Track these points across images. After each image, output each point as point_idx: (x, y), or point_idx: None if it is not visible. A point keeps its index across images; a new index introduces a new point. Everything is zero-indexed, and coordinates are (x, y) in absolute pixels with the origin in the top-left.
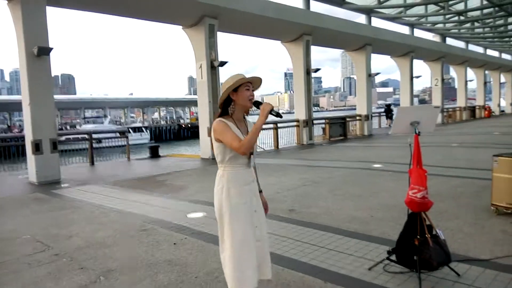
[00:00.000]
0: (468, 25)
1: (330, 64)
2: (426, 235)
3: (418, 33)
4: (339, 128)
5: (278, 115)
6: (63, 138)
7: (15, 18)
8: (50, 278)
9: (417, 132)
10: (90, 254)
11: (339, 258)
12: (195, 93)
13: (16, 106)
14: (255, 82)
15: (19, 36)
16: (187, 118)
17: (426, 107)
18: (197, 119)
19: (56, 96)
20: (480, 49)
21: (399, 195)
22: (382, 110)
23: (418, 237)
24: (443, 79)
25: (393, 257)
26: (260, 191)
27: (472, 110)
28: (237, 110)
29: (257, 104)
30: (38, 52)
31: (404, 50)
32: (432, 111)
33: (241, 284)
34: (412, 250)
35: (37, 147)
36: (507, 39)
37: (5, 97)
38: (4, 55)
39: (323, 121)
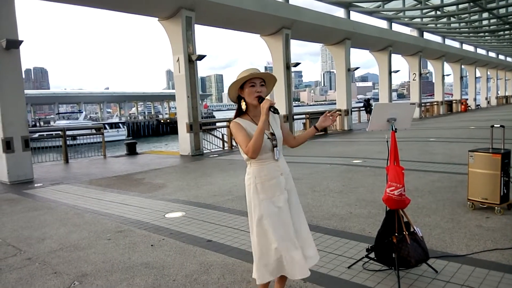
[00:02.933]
0: (444, 20)
1: (310, 58)
2: (404, 233)
3: (396, 27)
4: None
5: (275, 111)
6: (37, 135)
7: None
8: (22, 283)
9: (393, 128)
10: (64, 258)
11: (318, 257)
12: (173, 88)
13: None
14: (265, 78)
15: None
16: (166, 113)
17: (402, 104)
18: (176, 114)
19: (28, 91)
20: (456, 44)
21: (377, 191)
22: (361, 105)
23: (396, 234)
24: (420, 74)
25: (372, 255)
26: (313, 126)
27: (449, 104)
28: (250, 107)
29: (262, 101)
30: (7, 45)
31: (383, 44)
32: (408, 108)
33: (262, 278)
34: (390, 247)
35: (8, 145)
36: (481, 34)
37: None
38: None
39: (303, 116)
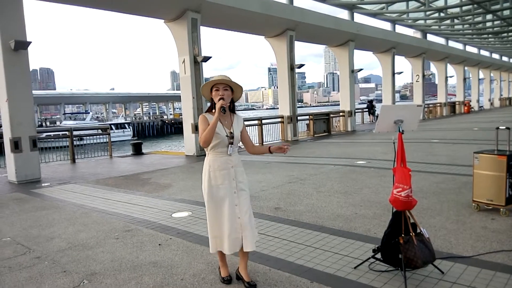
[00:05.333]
0: (448, 21)
1: (313, 59)
2: (411, 234)
3: (399, 29)
4: (323, 124)
5: (223, 111)
6: (44, 135)
7: None
8: (32, 282)
9: (401, 130)
10: (73, 257)
11: (325, 257)
12: (178, 88)
13: None
14: (229, 84)
15: None
16: (171, 114)
17: (409, 106)
18: (181, 114)
19: (35, 92)
20: (459, 46)
21: (382, 191)
22: (365, 106)
23: (403, 235)
24: (424, 75)
25: (379, 256)
26: (269, 147)
27: (452, 105)
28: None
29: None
30: (15, 46)
31: (386, 46)
32: (415, 110)
33: (214, 248)
34: (397, 248)
35: (16, 145)
36: (485, 36)
37: None
38: None
39: (307, 117)
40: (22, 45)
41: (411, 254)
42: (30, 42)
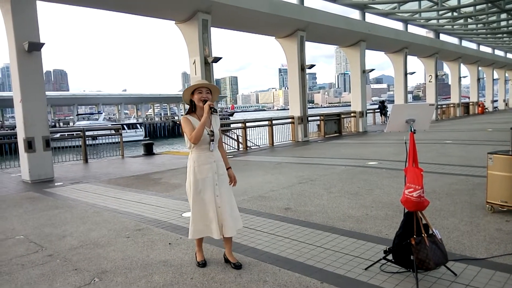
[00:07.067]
0: (461, 21)
1: (324, 60)
2: (423, 235)
3: (411, 29)
4: (334, 124)
5: (214, 111)
6: (58, 135)
7: (5, 13)
8: (44, 279)
9: (412, 130)
10: (84, 255)
11: (335, 258)
12: None
13: (8, 103)
14: (210, 87)
15: (9, 32)
16: (181, 115)
17: (421, 105)
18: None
19: (49, 93)
20: (473, 45)
21: (394, 192)
22: (376, 106)
23: (415, 236)
24: (437, 76)
25: (390, 257)
26: (229, 168)
27: (466, 106)
28: (198, 108)
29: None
30: (29, 47)
31: (398, 46)
32: (427, 109)
33: (193, 234)
34: (408, 250)
35: (29, 145)
36: (500, 35)
37: None
38: None
39: (318, 117)
40: (36, 47)
41: (423, 256)
42: (43, 44)
